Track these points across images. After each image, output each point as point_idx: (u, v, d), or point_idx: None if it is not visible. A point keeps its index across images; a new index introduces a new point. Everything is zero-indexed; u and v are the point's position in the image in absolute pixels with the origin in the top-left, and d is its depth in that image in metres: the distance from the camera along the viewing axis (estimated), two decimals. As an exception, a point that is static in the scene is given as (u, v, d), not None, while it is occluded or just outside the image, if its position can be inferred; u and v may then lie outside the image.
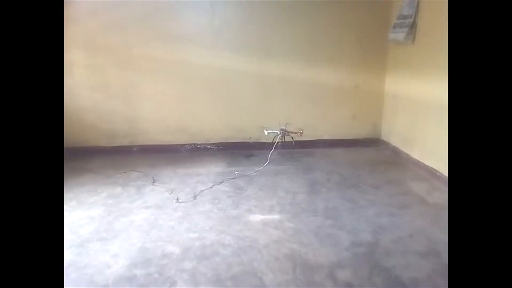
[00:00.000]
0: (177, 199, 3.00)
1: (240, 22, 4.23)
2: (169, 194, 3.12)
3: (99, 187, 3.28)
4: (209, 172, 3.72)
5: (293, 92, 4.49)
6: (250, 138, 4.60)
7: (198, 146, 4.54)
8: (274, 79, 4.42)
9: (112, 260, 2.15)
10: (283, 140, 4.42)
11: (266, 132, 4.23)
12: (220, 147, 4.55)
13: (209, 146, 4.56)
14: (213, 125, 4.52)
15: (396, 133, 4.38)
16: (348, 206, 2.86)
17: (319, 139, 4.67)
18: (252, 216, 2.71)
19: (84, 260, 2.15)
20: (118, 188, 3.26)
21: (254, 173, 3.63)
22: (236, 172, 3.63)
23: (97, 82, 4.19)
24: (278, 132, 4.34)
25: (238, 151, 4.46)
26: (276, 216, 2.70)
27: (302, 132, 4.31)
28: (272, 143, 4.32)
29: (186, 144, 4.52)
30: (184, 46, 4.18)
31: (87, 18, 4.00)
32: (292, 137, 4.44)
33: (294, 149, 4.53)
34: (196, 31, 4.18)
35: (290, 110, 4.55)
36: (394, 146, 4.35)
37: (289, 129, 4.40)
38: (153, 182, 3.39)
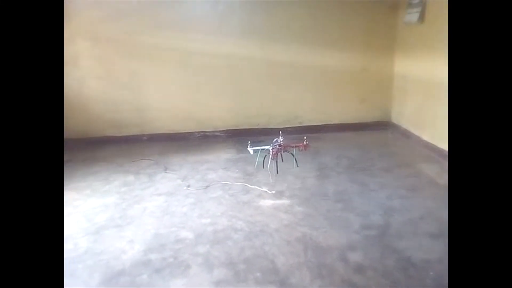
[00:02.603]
0: (188, 186, 3.04)
1: (245, 7, 4.17)
2: (181, 181, 3.16)
3: (111, 175, 3.34)
4: (218, 159, 3.75)
5: (300, 77, 4.45)
6: (258, 124, 4.59)
7: (207, 134, 4.56)
8: (280, 64, 4.37)
9: (127, 245, 2.21)
10: (280, 158, 3.08)
11: (251, 151, 3.02)
12: (229, 134, 4.56)
13: (217, 134, 4.58)
14: (221, 112, 4.52)
15: (406, 115, 4.33)
16: (358, 189, 2.86)
17: (327, 124, 4.64)
18: (263, 201, 2.74)
19: (100, 246, 2.21)
20: (131, 176, 3.31)
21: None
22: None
23: (104, 73, 4.21)
24: (270, 149, 2.97)
25: (247, 137, 4.46)
26: (286, 201, 2.72)
27: (307, 143, 3.06)
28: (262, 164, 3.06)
29: (195, 131, 4.55)
30: (189, 33, 4.15)
31: (91, 8, 3.98)
32: (292, 154, 3.06)
33: (303, 133, 4.51)
34: (200, 18, 4.14)
35: (297, 95, 4.52)
36: (405, 129, 4.31)
37: (287, 141, 3.08)
38: (166, 170, 3.43)
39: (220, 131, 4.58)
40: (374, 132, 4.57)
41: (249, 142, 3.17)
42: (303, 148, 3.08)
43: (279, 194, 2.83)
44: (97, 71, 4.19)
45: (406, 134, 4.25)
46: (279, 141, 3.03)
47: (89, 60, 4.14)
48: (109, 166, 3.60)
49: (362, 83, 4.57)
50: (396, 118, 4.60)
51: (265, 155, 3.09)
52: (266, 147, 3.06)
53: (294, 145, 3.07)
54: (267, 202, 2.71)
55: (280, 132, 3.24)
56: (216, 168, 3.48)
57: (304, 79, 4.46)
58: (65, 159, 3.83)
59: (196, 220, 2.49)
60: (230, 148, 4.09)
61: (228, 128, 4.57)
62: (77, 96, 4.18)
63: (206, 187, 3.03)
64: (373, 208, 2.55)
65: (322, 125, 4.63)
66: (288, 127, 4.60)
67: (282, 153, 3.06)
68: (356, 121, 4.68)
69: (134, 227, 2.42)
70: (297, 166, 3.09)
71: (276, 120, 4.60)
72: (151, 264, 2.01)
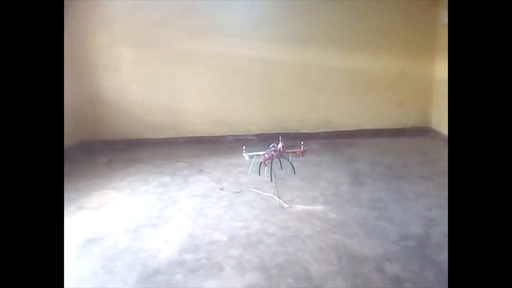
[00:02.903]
0: (221, 188, 3.10)
1: (279, 11, 4.19)
2: (215, 184, 3.22)
3: (149, 176, 3.48)
4: (251, 162, 3.77)
5: (333, 81, 4.39)
6: (290, 128, 4.58)
7: (240, 137, 4.62)
8: (314, 68, 4.34)
9: (163, 245, 2.28)
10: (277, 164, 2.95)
11: (246, 157, 2.93)
12: (261, 138, 4.59)
13: (250, 137, 4.63)
14: (254, 116, 4.57)
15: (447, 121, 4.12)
16: (395, 198, 2.76)
17: (362, 129, 4.53)
18: (295, 206, 2.73)
19: (138, 244, 2.31)
20: (167, 178, 3.43)
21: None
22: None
23: (144, 78, 4.41)
24: (264, 155, 2.85)
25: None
26: (319, 207, 2.69)
27: (305, 149, 2.94)
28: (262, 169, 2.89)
29: (228, 135, 4.63)
30: (224, 38, 4.25)
31: (133, 16, 4.20)
32: (288, 159, 2.94)
33: (337, 139, 4.44)
34: (235, 23, 4.22)
35: (331, 99, 4.46)
36: (445, 135, 4.10)
37: (286, 146, 3.01)
38: (200, 172, 3.52)
39: (252, 135, 4.62)
40: (412, 138, 4.39)
41: (244, 147, 3.06)
42: (300, 154, 2.93)
43: (311, 200, 2.81)
44: (137, 76, 4.40)
45: (447, 141, 4.04)
46: (276, 147, 2.89)
47: (130, 65, 4.36)
48: (148, 167, 3.75)
49: (400, 86, 4.41)
50: (436, 124, 4.39)
51: (261, 162, 2.96)
52: (261, 153, 2.94)
53: (291, 150, 2.93)
54: (300, 208, 2.69)
55: (280, 137, 3.08)
56: (248, 172, 3.51)
57: (338, 83, 4.40)
58: (107, 159, 4.07)
59: (229, 223, 2.52)
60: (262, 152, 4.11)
61: (261, 132, 4.60)
62: (119, 100, 4.42)
63: (238, 192, 3.06)
64: (411, 218, 2.45)
65: (356, 130, 4.53)
66: (321, 132, 4.56)
67: (281, 159, 2.92)
68: (393, 127, 4.53)
69: (170, 227, 2.50)
70: (295, 173, 2.95)
71: (309, 125, 4.56)
72: (186, 264, 2.07)
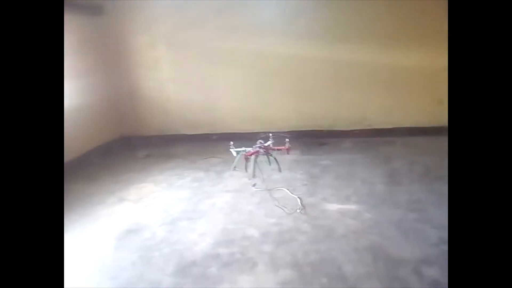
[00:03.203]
0: (254, 185, 3.13)
1: (314, 7, 4.12)
2: (248, 180, 3.26)
3: (185, 171, 3.59)
4: (283, 159, 3.76)
5: (369, 77, 4.25)
6: (323, 126, 4.52)
7: (272, 134, 4.62)
8: (348, 64, 4.23)
9: (199, 238, 2.35)
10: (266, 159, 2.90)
11: (233, 152, 2.94)
12: (293, 135, 4.55)
13: (282, 134, 4.61)
14: (286, 113, 4.55)
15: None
16: (435, 199, 2.64)
17: (399, 127, 4.36)
18: (328, 205, 2.70)
19: (174, 236, 2.40)
20: (201, 173, 3.52)
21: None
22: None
23: (180, 76, 4.54)
24: (249, 150, 2.79)
25: (311, 139, 4.42)
26: (353, 206, 2.64)
27: (289, 146, 2.90)
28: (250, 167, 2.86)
29: (260, 132, 4.63)
30: (257, 36, 4.25)
31: (170, 16, 4.32)
32: (272, 156, 2.91)
33: (372, 137, 4.31)
34: (268, 21, 4.21)
35: (365, 96, 4.33)
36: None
37: (272, 143, 2.99)
38: (235, 168, 3.58)
39: (284, 132, 4.59)
40: (453, 137, 4.16)
41: (231, 143, 3.04)
42: (286, 151, 2.89)
43: (344, 199, 2.76)
44: (174, 74, 4.54)
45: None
46: (263, 143, 2.87)
47: (168, 64, 4.51)
48: (183, 162, 3.87)
49: (441, 83, 4.18)
50: (481, 122, 4.13)
51: (245, 157, 2.94)
52: (248, 149, 2.92)
53: (276, 148, 2.88)
54: (333, 207, 2.66)
55: (271, 134, 2.99)
56: (280, 168, 3.51)
57: (374, 79, 4.25)
58: (145, 153, 4.24)
59: (262, 219, 2.55)
60: (294, 149, 4.08)
61: (292, 130, 4.57)
62: (157, 97, 4.59)
63: (271, 186, 3.07)
64: (452, 221, 2.34)
65: (393, 128, 4.37)
66: (355, 130, 4.45)
67: (269, 156, 2.92)
68: (432, 125, 4.31)
69: (205, 221, 2.57)
70: (280, 171, 2.91)
71: (343, 123, 4.47)
72: (220, 258, 2.12)
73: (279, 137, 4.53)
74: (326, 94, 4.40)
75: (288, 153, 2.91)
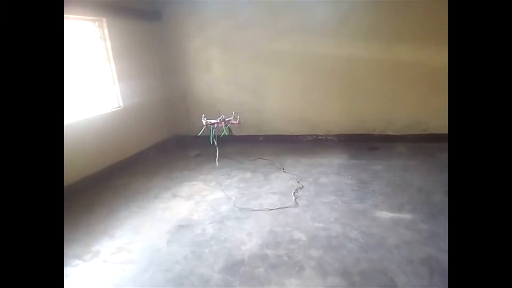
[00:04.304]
0: (301, 188, 3.10)
1: (366, 6, 3.98)
2: (297, 182, 3.25)
3: (232, 171, 3.69)
4: (331, 163, 3.71)
5: (425, 79, 4.00)
6: (374, 130, 4.35)
7: (319, 137, 4.56)
8: (403, 65, 4.02)
9: (246, 238, 2.40)
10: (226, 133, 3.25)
11: (203, 121, 3.29)
12: (342, 139, 4.46)
13: (330, 137, 4.53)
14: (335, 116, 4.45)
15: None
16: (501, 214, 2.41)
17: (459, 132, 4.05)
18: (379, 212, 2.59)
19: (223, 235, 2.47)
20: (248, 173, 3.59)
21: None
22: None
23: (231, 77, 4.66)
24: (211, 121, 3.19)
25: (361, 143, 4.28)
26: (407, 215, 2.51)
27: (240, 121, 3.22)
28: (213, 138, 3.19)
29: (308, 134, 4.60)
30: (308, 37, 4.22)
31: (223, 19, 4.45)
32: (229, 128, 3.23)
33: (428, 142, 4.06)
34: (320, 21, 4.15)
35: (421, 99, 4.08)
36: None
37: (229, 117, 3.29)
38: (284, 169, 3.60)
39: (332, 135, 4.51)
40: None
41: (203, 114, 3.31)
42: (236, 124, 3.27)
43: (397, 207, 2.63)
44: (225, 75, 4.68)
45: None
46: (223, 118, 3.25)
47: (219, 65, 4.66)
48: (231, 162, 3.97)
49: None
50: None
51: (204, 127, 3.28)
52: (213, 121, 3.26)
53: (231, 121, 3.28)
54: (385, 214, 2.55)
55: (233, 112, 3.29)
56: (328, 172, 3.45)
57: (430, 81, 3.98)
58: (196, 153, 4.42)
59: (309, 223, 2.53)
60: (343, 153, 4.00)
61: (341, 133, 4.46)
62: (208, 97, 4.76)
63: (319, 190, 3.03)
64: (522, 238, 2.12)
65: (452, 133, 4.06)
66: (409, 134, 4.22)
67: (225, 127, 3.25)
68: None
69: (252, 221, 2.62)
70: (228, 134, 3.27)
71: (396, 126, 4.26)
72: (268, 259, 2.14)
73: (330, 140, 4.48)
74: (378, 96, 4.23)
75: (238, 125, 3.33)
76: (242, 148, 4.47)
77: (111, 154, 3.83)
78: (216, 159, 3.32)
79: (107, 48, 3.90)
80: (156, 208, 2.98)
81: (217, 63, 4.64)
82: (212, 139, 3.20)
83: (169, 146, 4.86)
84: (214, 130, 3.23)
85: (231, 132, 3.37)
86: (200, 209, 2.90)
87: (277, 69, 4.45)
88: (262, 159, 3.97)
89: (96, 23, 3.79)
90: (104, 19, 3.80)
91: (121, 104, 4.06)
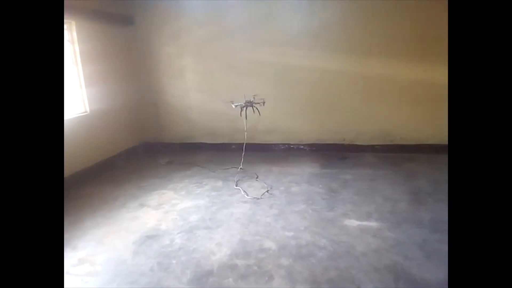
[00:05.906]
0: (270, 193, 3.11)
1: (339, 21, 4.13)
2: (267, 191, 3.25)
3: (204, 179, 3.63)
4: (302, 172, 3.75)
5: (395, 92, 4.18)
6: (344, 140, 4.47)
7: (292, 146, 4.61)
8: (374, 78, 4.19)
9: (216, 248, 2.36)
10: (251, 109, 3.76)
11: (233, 106, 3.79)
12: (313, 148, 4.54)
13: (302, 147, 4.59)
14: (307, 126, 4.53)
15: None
16: (461, 221, 2.54)
17: (423, 143, 4.25)
18: (348, 221, 2.64)
19: (192, 245, 2.41)
20: (220, 182, 3.55)
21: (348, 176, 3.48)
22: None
23: (205, 86, 4.63)
24: (243, 104, 3.79)
25: (331, 153, 4.38)
26: (374, 224, 2.57)
27: (264, 102, 3.74)
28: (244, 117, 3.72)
29: (280, 143, 4.64)
30: (284, 48, 4.29)
31: (197, 28, 4.44)
32: (256, 108, 3.77)
33: (394, 153, 4.22)
34: (295, 34, 4.25)
35: (389, 111, 4.25)
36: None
37: (255, 100, 3.79)
38: (257, 178, 3.59)
39: (304, 144, 4.58)
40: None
41: (232, 101, 3.72)
42: (262, 104, 3.75)
43: (365, 216, 2.70)
44: (199, 84, 4.64)
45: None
46: (251, 100, 3.73)
47: (193, 73, 4.62)
48: (202, 170, 3.92)
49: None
50: None
51: (242, 108, 3.74)
52: (241, 103, 3.72)
53: (259, 102, 3.75)
54: (353, 223, 2.60)
55: (254, 95, 3.72)
56: (299, 181, 3.49)
57: (399, 95, 4.18)
58: (166, 160, 4.32)
59: (280, 232, 2.52)
60: (314, 162, 4.06)
61: (313, 142, 4.54)
62: (180, 105, 4.70)
63: (289, 199, 3.05)
64: (479, 244, 2.23)
65: (417, 145, 4.26)
66: (377, 145, 4.37)
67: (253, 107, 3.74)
68: (459, 143, 4.17)
69: (222, 231, 2.58)
70: (260, 114, 3.79)
71: (364, 137, 4.40)
72: (237, 269, 2.11)
73: (302, 149, 4.54)
74: (349, 107, 4.36)
75: (263, 105, 3.76)
76: (214, 156, 4.43)
77: (76, 161, 3.65)
78: (242, 154, 3.77)
79: (75, 51, 3.76)
80: (123, 218, 2.86)
81: (191, 71, 4.60)
82: (245, 119, 3.71)
83: (139, 153, 4.73)
84: (245, 109, 3.70)
85: (259, 113, 3.80)
86: (169, 218, 2.82)
87: (251, 79, 4.47)
88: (234, 167, 3.94)
89: (65, 26, 3.66)
90: (73, 22, 3.67)
91: (88, 109, 3.91)
